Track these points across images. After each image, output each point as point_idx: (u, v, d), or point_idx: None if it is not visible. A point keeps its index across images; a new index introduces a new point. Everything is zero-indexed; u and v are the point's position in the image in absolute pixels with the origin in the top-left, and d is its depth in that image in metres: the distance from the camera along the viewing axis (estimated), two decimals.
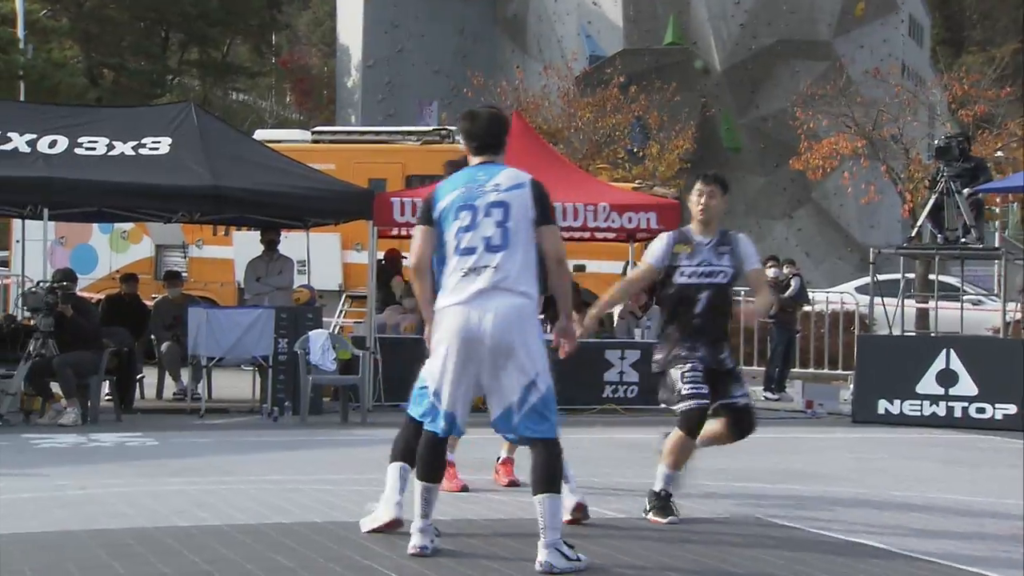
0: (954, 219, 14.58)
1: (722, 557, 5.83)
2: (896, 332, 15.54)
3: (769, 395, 16.60)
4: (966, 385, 12.96)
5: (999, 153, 25.67)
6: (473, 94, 32.31)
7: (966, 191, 14.51)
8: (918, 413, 13.13)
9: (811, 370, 18.98)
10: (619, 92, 31.70)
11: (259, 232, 14.61)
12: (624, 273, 16.73)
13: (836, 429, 13.02)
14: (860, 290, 19.75)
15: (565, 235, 15.16)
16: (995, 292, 16.39)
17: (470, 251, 5.72)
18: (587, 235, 15.35)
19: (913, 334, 17.15)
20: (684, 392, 6.91)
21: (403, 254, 15.70)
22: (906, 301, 16.64)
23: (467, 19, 52.06)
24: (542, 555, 5.42)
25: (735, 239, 7.12)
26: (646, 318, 15.36)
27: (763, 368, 17.78)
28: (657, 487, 6.94)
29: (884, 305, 15.33)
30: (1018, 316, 15.96)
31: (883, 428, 12.84)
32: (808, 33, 45.18)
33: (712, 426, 7.12)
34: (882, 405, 13.25)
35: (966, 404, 12.97)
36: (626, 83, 32.62)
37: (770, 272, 17.82)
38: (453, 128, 20.05)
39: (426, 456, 5.80)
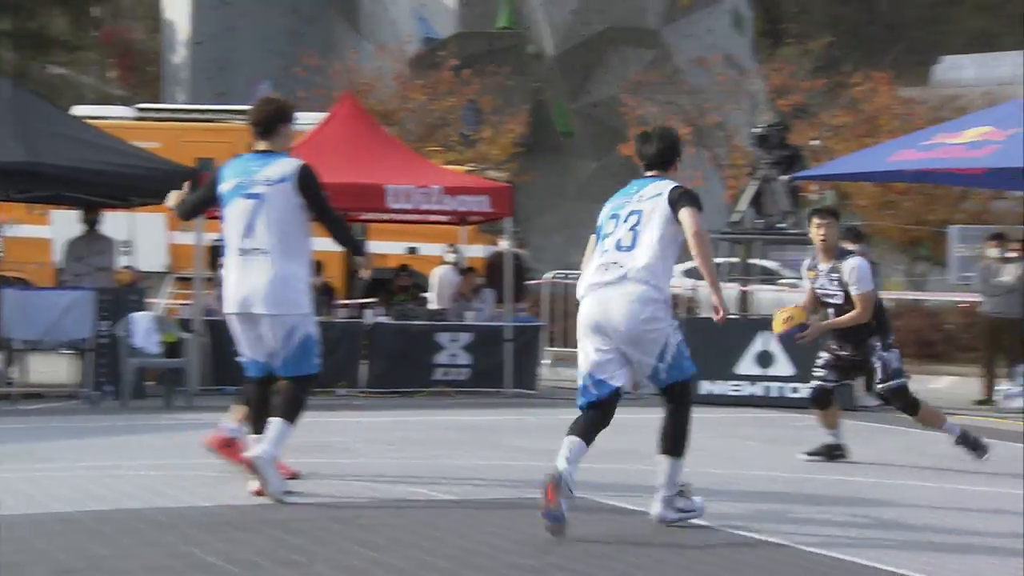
0: (773, 205, 15.02)
1: (542, 533, 5.83)
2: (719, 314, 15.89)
3: None
4: (783, 365, 13.35)
5: (815, 142, 26.52)
6: (306, 74, 31.79)
7: (784, 178, 14.95)
8: (737, 393, 13.49)
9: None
10: (452, 75, 31.60)
11: (80, 211, 14.12)
12: (454, 260, 16.75)
13: (660, 410, 13.21)
14: (687, 273, 20.17)
15: (398, 217, 15.34)
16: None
17: (249, 233, 6.59)
18: (419, 218, 15.27)
19: (734, 316, 17.60)
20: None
21: None
22: (728, 284, 17.06)
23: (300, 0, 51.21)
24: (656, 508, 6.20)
25: (843, 265, 8.74)
26: (478, 301, 15.40)
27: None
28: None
29: (700, 289, 15.68)
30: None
31: (704, 408, 13.03)
32: (637, 21, 45.81)
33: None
34: (704, 386, 13.53)
35: (782, 384, 13.37)
36: (459, 66, 32.53)
37: None
38: None
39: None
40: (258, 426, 6.67)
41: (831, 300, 8.83)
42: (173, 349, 12.55)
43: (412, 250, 19.18)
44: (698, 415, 12.26)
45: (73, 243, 13.92)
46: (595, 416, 6.24)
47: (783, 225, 14.99)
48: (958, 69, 55.29)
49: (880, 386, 8.73)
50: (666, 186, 6.29)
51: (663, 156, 6.47)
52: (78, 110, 19.75)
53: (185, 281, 17.88)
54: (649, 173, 6.48)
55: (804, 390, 12.96)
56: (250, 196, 6.57)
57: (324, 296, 14.83)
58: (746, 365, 13.54)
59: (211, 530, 5.70)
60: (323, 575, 4.90)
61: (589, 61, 45.67)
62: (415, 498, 6.89)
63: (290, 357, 6.64)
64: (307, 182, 6.61)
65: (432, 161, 18.84)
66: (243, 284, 6.58)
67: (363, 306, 15.72)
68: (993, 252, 14.70)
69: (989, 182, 17.02)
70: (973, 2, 79.11)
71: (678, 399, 6.42)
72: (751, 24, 58.52)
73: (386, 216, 15.28)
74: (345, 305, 16.07)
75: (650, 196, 6.28)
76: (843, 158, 21.22)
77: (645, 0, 46.37)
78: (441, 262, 16.94)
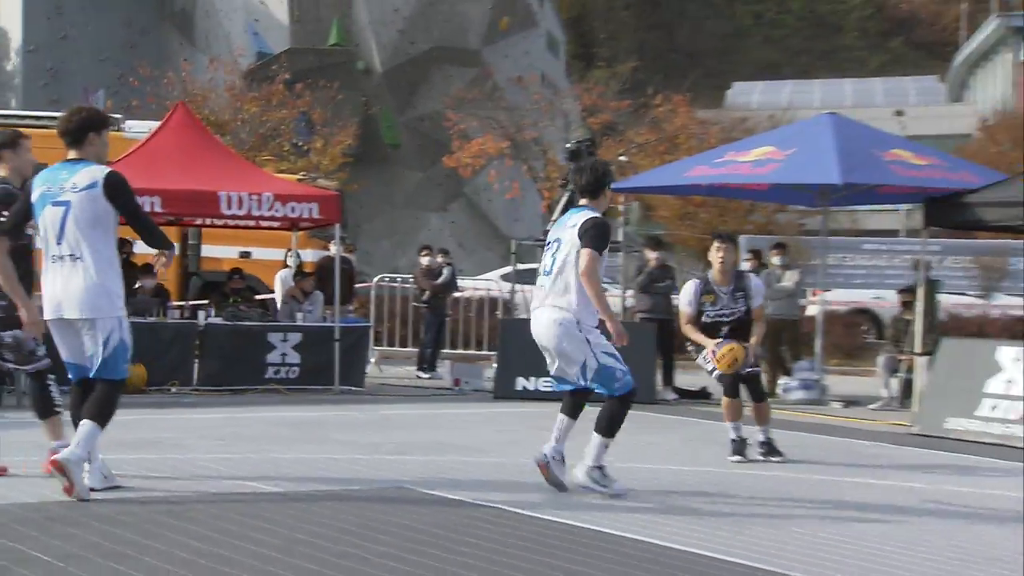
0: None
1: (364, 523, 5.79)
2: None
3: (421, 374, 16.81)
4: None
5: (621, 157, 27.06)
6: (139, 83, 30.84)
7: None
8: (550, 389, 13.60)
9: (460, 351, 19.38)
10: (285, 88, 31.15)
11: None
12: (288, 263, 16.50)
13: (481, 405, 13.32)
14: (505, 278, 20.32)
15: (231, 223, 15.02)
16: (618, 281, 17.24)
17: (60, 240, 6.35)
18: (252, 223, 14.99)
19: None
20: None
21: None
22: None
23: (133, 10, 49.69)
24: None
25: (747, 283, 8.81)
26: (307, 303, 15.20)
27: (416, 349, 17.99)
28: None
29: (524, 292, 15.82)
30: (632, 302, 16.82)
31: (521, 403, 13.23)
32: (460, 42, 46.02)
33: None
34: (520, 382, 13.64)
35: None
36: (292, 80, 32.10)
37: (424, 260, 18.07)
38: (118, 116, 19.06)
39: None
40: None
41: (728, 319, 8.73)
42: None
43: (245, 254, 18.77)
44: (514, 409, 12.50)
45: None
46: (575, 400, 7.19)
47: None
48: (747, 94, 57.37)
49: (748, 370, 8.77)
50: (582, 218, 6.83)
51: (591, 186, 7.00)
52: None
53: None
54: (581, 201, 7.03)
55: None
56: (58, 203, 6.34)
57: (158, 298, 14.42)
58: None
59: (38, 526, 5.45)
60: (152, 568, 4.73)
61: (415, 78, 45.64)
62: (244, 491, 6.74)
63: (103, 360, 6.39)
64: (115, 188, 6.38)
65: (264, 170, 18.51)
66: (57, 290, 6.35)
67: (196, 308, 15.35)
68: (776, 260, 15.24)
69: (771, 196, 17.70)
70: (760, 35, 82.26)
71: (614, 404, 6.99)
72: (564, 47, 59.42)
73: (220, 222, 14.94)
74: (179, 307, 15.66)
75: (571, 225, 6.87)
76: (646, 173, 21.77)
77: (467, 22, 46.62)
78: (283, 265, 16.67)
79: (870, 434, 11.27)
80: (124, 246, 15.09)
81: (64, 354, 6.54)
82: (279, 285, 16.14)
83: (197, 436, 9.35)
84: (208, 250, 18.97)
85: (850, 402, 14.19)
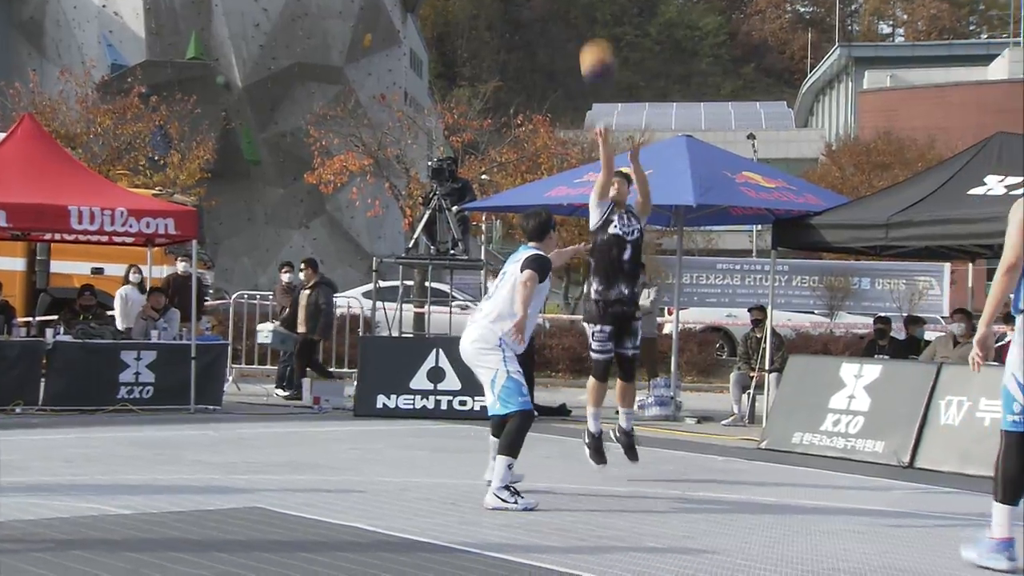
0: (445, 232, 15.25)
1: (215, 543, 5.67)
2: (395, 333, 16.00)
3: (280, 392, 16.55)
4: (452, 380, 13.52)
5: (483, 176, 27.18)
6: None
7: (455, 208, 15.22)
8: (411, 406, 13.57)
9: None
10: (140, 101, 30.41)
11: None
12: (127, 276, 16.11)
13: (340, 423, 13.17)
14: (367, 295, 20.18)
15: (83, 238, 14.57)
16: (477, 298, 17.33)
17: None
18: (105, 239, 14.57)
19: (410, 335, 17.76)
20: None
21: None
22: (404, 305, 17.19)
23: None
24: None
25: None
26: (162, 320, 14.83)
27: (275, 367, 17.71)
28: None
29: (385, 309, 15.76)
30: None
31: (382, 421, 13.15)
32: (323, 58, 45.70)
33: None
34: (380, 400, 13.57)
35: (451, 397, 13.56)
36: (148, 93, 31.35)
37: (285, 277, 17.81)
38: None
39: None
40: None
41: None
42: None
43: (97, 271, 18.26)
44: (374, 428, 12.40)
45: None
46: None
47: (454, 252, 15.23)
48: (607, 115, 58.22)
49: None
50: (528, 254, 7.61)
51: (536, 231, 7.86)
52: None
53: None
54: (529, 243, 7.82)
55: (471, 403, 13.35)
56: None
57: (3, 315, 13.90)
58: (420, 380, 13.65)
59: None
60: None
61: (276, 94, 45.09)
62: (89, 513, 6.52)
63: None
64: None
65: (118, 184, 18.04)
66: None
67: (44, 325, 14.84)
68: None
69: None
70: (619, 58, 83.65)
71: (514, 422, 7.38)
72: (427, 66, 59.49)
73: (70, 236, 14.48)
74: (25, 324, 15.12)
75: (517, 260, 7.65)
76: (508, 192, 21.93)
77: (330, 38, 46.29)
78: (124, 282, 16.25)
79: (722, 449, 11.53)
80: None
81: None
82: (119, 302, 15.76)
83: (42, 457, 9.04)
84: (58, 266, 18.41)
85: (704, 418, 14.49)
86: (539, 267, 7.52)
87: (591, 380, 8.76)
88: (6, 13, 48.55)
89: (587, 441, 8.73)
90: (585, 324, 8.90)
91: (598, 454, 8.71)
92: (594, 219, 8.73)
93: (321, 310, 15.80)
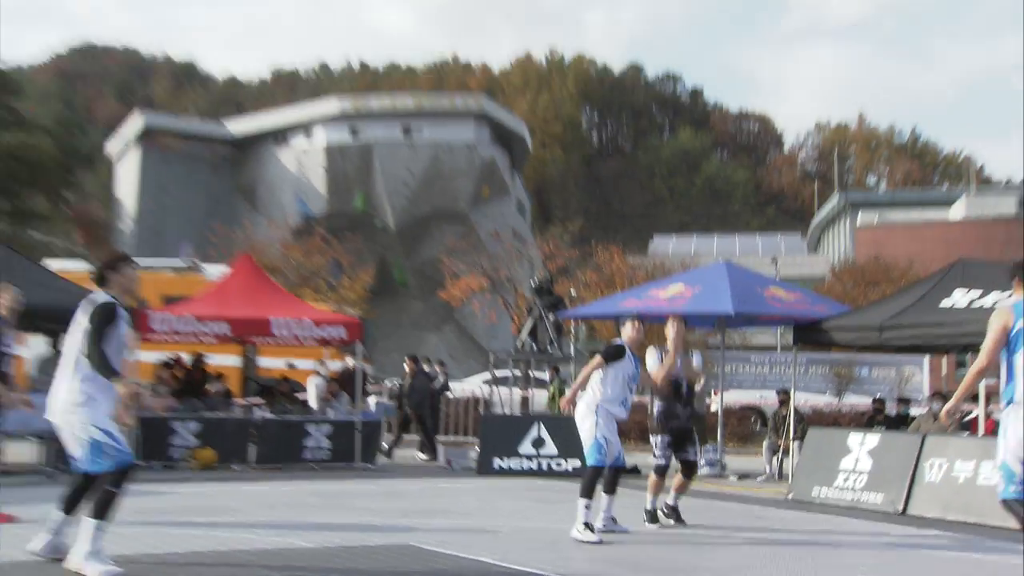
0: (544, 335, 15.30)
1: (377, 572, 5.71)
2: (507, 411, 15.99)
3: (421, 455, 16.59)
4: (550, 447, 13.42)
5: (572, 291, 27.28)
6: (216, 239, 31.12)
7: (551, 316, 15.27)
8: (520, 467, 13.48)
9: (451, 437, 19.19)
10: (322, 241, 31.46)
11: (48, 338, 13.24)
12: (320, 372, 16.42)
13: (467, 479, 13.13)
14: (486, 382, 20.26)
15: (280, 341, 14.97)
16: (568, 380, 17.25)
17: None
18: (295, 342, 14.97)
19: (518, 413, 17.73)
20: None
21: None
22: (514, 389, 17.22)
23: (213, 185, 50.42)
24: None
25: (689, 354, 8.37)
26: (335, 400, 15.10)
27: (419, 436, 17.79)
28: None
29: (499, 393, 15.81)
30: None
31: (498, 478, 13.08)
32: (452, 206, 46.72)
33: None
34: (496, 462, 13.50)
35: (550, 460, 13.43)
36: (328, 234, 32.44)
37: (424, 370, 18.00)
38: (199, 262, 19.21)
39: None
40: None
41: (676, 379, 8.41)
42: None
43: (290, 365, 18.73)
44: (492, 483, 12.34)
45: (44, 362, 13.01)
46: None
47: (551, 349, 15.26)
48: (664, 245, 58.07)
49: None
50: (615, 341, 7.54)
51: (617, 329, 7.77)
52: (51, 264, 18.74)
53: None
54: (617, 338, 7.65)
55: (565, 465, 13.22)
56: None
57: (225, 398, 14.32)
58: (526, 446, 13.59)
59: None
60: None
61: (419, 233, 46.18)
62: (284, 546, 6.62)
63: (85, 456, 5.37)
64: (92, 314, 5.49)
65: (305, 301, 18.59)
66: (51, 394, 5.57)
67: (253, 405, 15.22)
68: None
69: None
70: (672, 204, 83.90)
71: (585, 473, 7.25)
72: (529, 210, 60.25)
73: (271, 340, 14.93)
74: (241, 404, 15.54)
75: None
76: (591, 304, 21.94)
77: (458, 191, 47.37)
78: (315, 374, 16.60)
79: (758, 500, 11.23)
80: (199, 358, 15.09)
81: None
82: (311, 388, 16.07)
83: (252, 503, 9.21)
84: (263, 361, 18.90)
85: (743, 476, 14.13)
86: (604, 351, 7.48)
87: (652, 476, 8.38)
88: (233, 180, 50.90)
89: (646, 510, 8.42)
90: (651, 434, 8.47)
91: (652, 520, 8.38)
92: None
93: (417, 393, 15.95)
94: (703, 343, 26.80)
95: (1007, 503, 5.23)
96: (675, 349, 8.22)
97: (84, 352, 5.38)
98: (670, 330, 8.27)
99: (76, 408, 5.34)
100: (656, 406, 8.42)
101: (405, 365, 17.18)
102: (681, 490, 8.54)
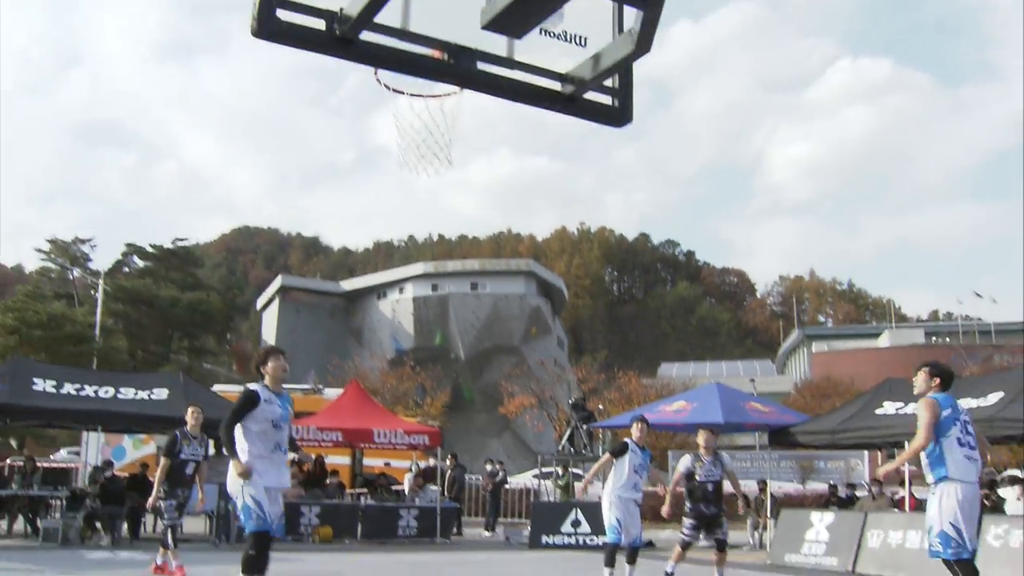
0: (580, 441, 15.26)
1: None
2: (552, 499, 15.75)
3: (486, 532, 16.29)
4: (585, 527, 13.12)
5: (600, 407, 27.07)
6: (332, 368, 31.80)
7: (585, 426, 15.28)
8: (562, 542, 13.22)
9: (510, 519, 18.83)
10: (410, 369, 31.87)
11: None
12: (411, 469, 16.41)
13: (521, 552, 12.88)
14: (535, 476, 20.03)
15: (380, 446, 14.99)
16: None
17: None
18: (391, 447, 15.05)
19: (561, 500, 17.42)
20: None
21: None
22: (557, 483, 17.00)
23: (331, 328, 51.66)
24: None
25: (722, 457, 7.61)
26: (422, 492, 15.05)
27: (484, 518, 17.52)
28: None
29: (545, 485, 15.62)
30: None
31: (546, 551, 12.82)
32: (508, 341, 47.00)
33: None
34: (544, 538, 13.25)
35: (585, 537, 13.11)
36: (415, 364, 32.89)
37: (488, 467, 17.90)
38: (321, 387, 19.68)
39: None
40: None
41: (710, 479, 7.62)
42: None
43: (387, 464, 18.78)
44: (541, 555, 12.11)
45: (213, 461, 13.27)
46: None
47: (584, 452, 15.16)
48: (670, 370, 57.49)
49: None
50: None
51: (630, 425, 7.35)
52: (217, 387, 19.38)
53: None
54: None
55: (596, 540, 12.94)
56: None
57: (339, 489, 14.39)
58: (567, 526, 13.39)
59: None
60: None
61: (483, 362, 46.40)
62: None
63: (240, 516, 4.92)
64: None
65: (398, 416, 18.77)
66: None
67: (360, 494, 15.24)
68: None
69: (685, 429, 17.61)
70: (675, 338, 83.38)
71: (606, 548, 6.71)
72: (567, 344, 60.38)
73: (373, 446, 15.05)
74: (351, 493, 15.56)
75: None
76: (615, 417, 21.81)
77: (512, 330, 47.80)
78: (409, 471, 16.58)
79: (743, 564, 10.90)
80: (319, 458, 15.16)
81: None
82: (407, 482, 16.04)
83: (360, 571, 9.13)
84: (367, 461, 19.00)
85: (732, 546, 13.61)
86: (611, 449, 7.18)
87: (677, 547, 7.66)
88: (345, 324, 52.18)
89: (666, 572, 7.90)
90: (683, 516, 7.80)
91: None
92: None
93: (456, 483, 15.78)
94: (695, 445, 26.13)
95: (948, 564, 4.85)
96: (707, 451, 7.61)
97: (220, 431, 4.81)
98: (700, 438, 7.69)
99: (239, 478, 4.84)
100: (688, 504, 7.68)
101: (486, 465, 17.00)
102: (720, 564, 7.78)
